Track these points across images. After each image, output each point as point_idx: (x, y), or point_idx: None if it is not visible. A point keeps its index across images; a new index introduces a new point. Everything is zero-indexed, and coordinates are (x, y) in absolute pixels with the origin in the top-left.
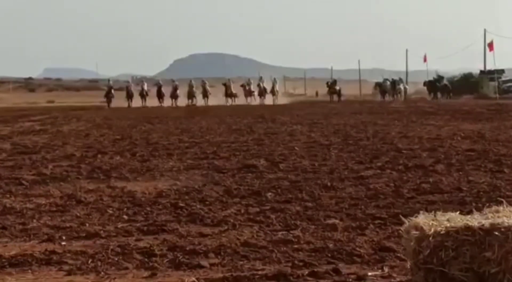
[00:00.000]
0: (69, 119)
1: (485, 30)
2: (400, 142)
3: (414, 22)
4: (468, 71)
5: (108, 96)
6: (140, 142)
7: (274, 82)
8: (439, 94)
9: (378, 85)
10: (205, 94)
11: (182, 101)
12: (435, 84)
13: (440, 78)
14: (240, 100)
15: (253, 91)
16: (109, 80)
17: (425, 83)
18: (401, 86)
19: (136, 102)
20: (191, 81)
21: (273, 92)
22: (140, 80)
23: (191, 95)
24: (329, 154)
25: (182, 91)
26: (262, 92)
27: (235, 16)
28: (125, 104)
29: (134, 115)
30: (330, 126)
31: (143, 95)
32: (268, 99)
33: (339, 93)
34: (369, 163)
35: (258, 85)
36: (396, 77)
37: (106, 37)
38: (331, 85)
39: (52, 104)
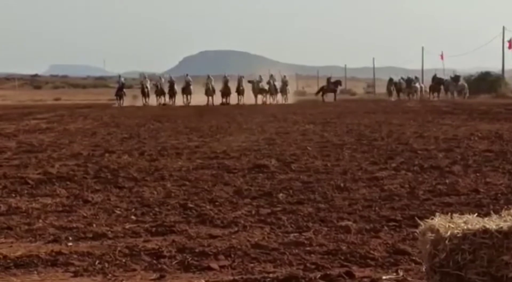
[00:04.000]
0: (75, 118)
1: (503, 28)
2: (416, 142)
3: (430, 20)
4: (486, 70)
5: (119, 94)
6: (148, 141)
7: (284, 81)
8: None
9: (394, 84)
10: (228, 92)
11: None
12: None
13: (456, 77)
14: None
15: (263, 90)
16: (120, 76)
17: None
18: (417, 85)
19: (151, 100)
20: (209, 76)
21: (283, 91)
22: (158, 78)
23: (209, 92)
24: (342, 154)
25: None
26: (273, 91)
27: (246, 13)
28: (136, 103)
29: (142, 113)
30: (343, 125)
31: (160, 93)
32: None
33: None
34: (384, 163)
35: (268, 82)
36: (412, 76)
37: (113, 33)
38: (335, 84)
39: (59, 102)
